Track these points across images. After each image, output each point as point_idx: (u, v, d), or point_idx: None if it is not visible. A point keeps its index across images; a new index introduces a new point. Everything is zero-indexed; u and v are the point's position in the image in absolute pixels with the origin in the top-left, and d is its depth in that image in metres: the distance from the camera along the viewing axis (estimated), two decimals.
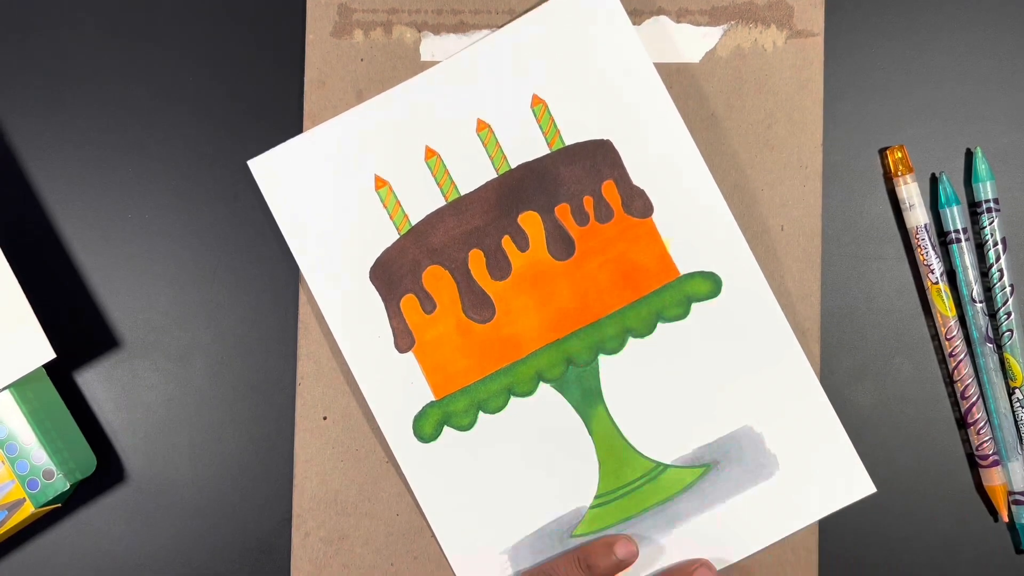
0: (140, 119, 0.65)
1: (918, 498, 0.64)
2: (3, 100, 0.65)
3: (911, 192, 0.64)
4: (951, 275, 0.65)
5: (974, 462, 0.64)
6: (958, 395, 0.64)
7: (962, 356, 0.63)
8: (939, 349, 0.64)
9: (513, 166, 0.62)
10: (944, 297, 0.63)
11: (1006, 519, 0.63)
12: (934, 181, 0.65)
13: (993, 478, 0.63)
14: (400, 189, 0.62)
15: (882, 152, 0.65)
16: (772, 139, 0.64)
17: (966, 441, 0.64)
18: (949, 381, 0.64)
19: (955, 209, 0.64)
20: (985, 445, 0.63)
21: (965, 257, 0.64)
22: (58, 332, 0.62)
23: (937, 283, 0.63)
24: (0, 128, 0.65)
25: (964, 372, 0.63)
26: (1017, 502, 0.63)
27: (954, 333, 0.63)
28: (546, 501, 0.62)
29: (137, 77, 0.65)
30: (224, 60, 0.65)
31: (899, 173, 0.64)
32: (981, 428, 0.63)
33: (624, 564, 0.60)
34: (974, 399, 0.63)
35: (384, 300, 0.62)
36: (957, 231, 0.64)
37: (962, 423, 0.64)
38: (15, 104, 0.65)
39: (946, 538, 0.64)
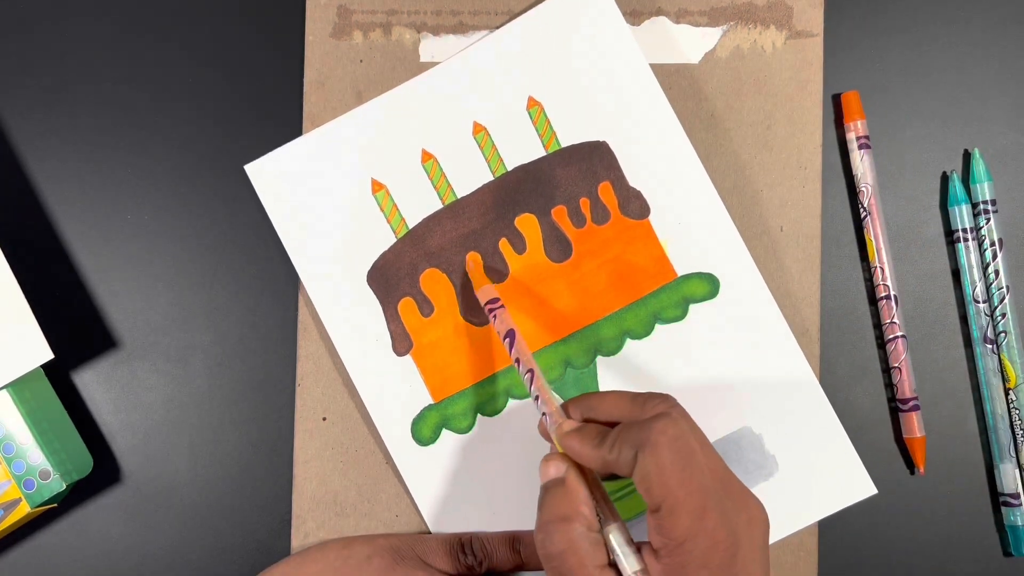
0: (140, 120, 0.65)
1: (918, 499, 0.64)
2: (3, 100, 0.65)
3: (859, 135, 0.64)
4: (955, 274, 0.65)
5: (974, 463, 0.64)
6: (884, 336, 0.64)
7: (885, 294, 0.64)
8: (935, 339, 0.65)
9: (509, 168, 0.62)
10: (873, 238, 0.64)
11: (923, 472, 0.63)
12: (944, 179, 0.65)
13: (913, 428, 0.63)
14: (397, 192, 0.62)
15: (835, 97, 0.65)
16: (771, 140, 0.64)
17: (962, 437, 0.64)
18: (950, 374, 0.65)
19: (963, 208, 0.64)
20: (905, 388, 0.63)
21: (971, 256, 0.64)
22: (57, 332, 0.62)
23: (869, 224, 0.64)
24: (1, 128, 0.65)
25: (886, 307, 0.64)
26: (1007, 503, 0.63)
27: (880, 277, 0.64)
28: None
29: (137, 78, 0.65)
30: (224, 61, 0.65)
31: (852, 119, 0.64)
32: (901, 373, 0.63)
33: None
34: (897, 339, 0.64)
35: (382, 303, 0.62)
36: (965, 230, 0.64)
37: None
38: (15, 104, 0.65)
39: (946, 539, 0.64)
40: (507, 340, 0.57)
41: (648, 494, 0.48)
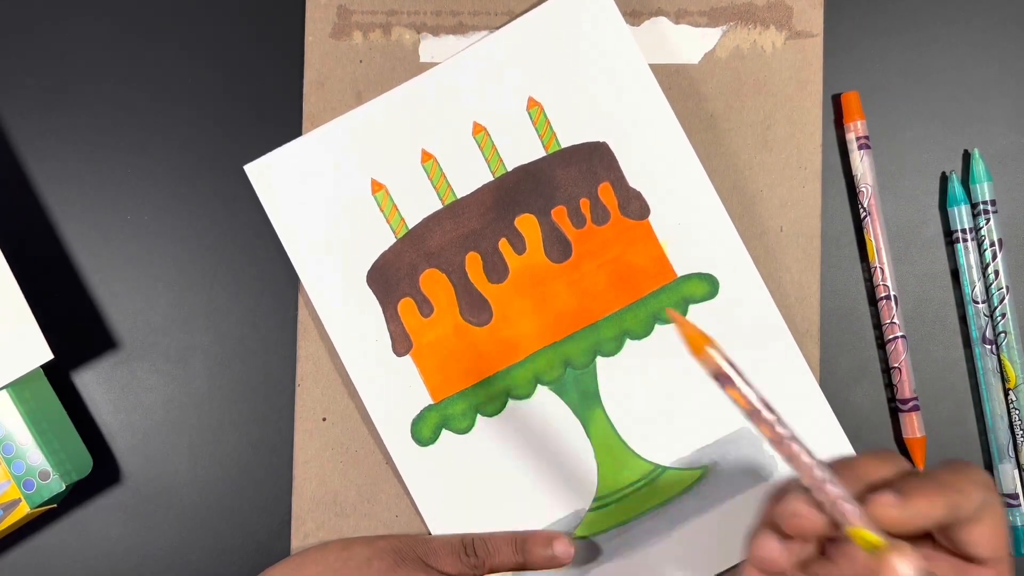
0: (140, 120, 0.65)
1: None
2: (3, 100, 0.65)
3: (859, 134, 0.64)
4: (955, 274, 0.65)
5: (974, 463, 0.64)
6: (884, 336, 0.64)
7: (885, 294, 0.64)
8: (935, 339, 0.65)
9: (509, 169, 0.62)
10: (873, 239, 0.64)
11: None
12: (944, 180, 0.65)
13: (913, 428, 0.63)
14: (396, 193, 0.62)
15: (835, 97, 0.65)
16: (771, 140, 0.64)
17: (962, 437, 0.64)
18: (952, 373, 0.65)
19: (963, 208, 0.64)
20: (905, 388, 0.63)
21: (970, 256, 0.64)
22: (57, 333, 0.62)
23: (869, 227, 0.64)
24: (1, 128, 0.65)
25: (886, 308, 0.64)
26: (1007, 504, 0.63)
27: (880, 277, 0.64)
28: (544, 504, 0.62)
29: (137, 78, 0.65)
30: (224, 61, 0.65)
31: (852, 119, 0.64)
32: (901, 373, 0.64)
33: (557, 561, 0.60)
34: (897, 339, 0.64)
35: (381, 304, 0.62)
36: (964, 231, 0.64)
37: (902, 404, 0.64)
38: (15, 104, 0.65)
39: None
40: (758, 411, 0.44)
41: (985, 549, 0.43)
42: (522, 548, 0.60)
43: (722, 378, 0.43)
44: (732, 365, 0.43)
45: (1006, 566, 0.45)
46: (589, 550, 0.62)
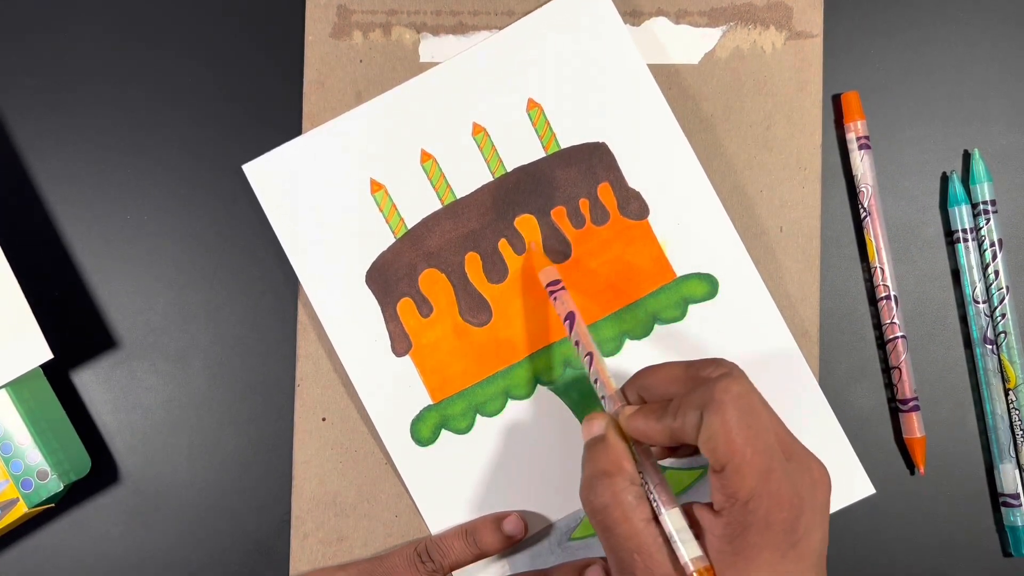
0: (140, 120, 0.65)
1: (918, 499, 0.64)
2: (3, 100, 0.65)
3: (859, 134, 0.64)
4: (955, 274, 0.65)
5: (974, 463, 0.64)
6: (884, 336, 0.64)
7: (885, 295, 0.64)
8: (935, 339, 0.64)
9: (509, 169, 0.62)
10: (873, 239, 0.64)
11: (923, 472, 0.64)
12: (944, 180, 0.65)
13: (913, 428, 0.63)
14: (396, 193, 0.62)
15: (835, 98, 0.65)
16: (771, 140, 0.64)
17: (962, 437, 0.64)
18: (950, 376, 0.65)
19: (963, 208, 0.64)
20: (905, 388, 0.63)
21: (970, 256, 0.64)
22: (57, 332, 0.62)
23: (868, 226, 0.64)
24: (1, 128, 0.65)
25: (886, 308, 0.64)
26: (1007, 504, 0.63)
27: (880, 277, 0.64)
28: (544, 504, 0.62)
29: (137, 78, 0.65)
30: (223, 61, 0.65)
31: (852, 119, 0.64)
32: (901, 373, 0.64)
33: (512, 540, 0.61)
34: (897, 339, 0.64)
35: (380, 304, 0.62)
36: (965, 231, 0.64)
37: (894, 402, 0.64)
38: (15, 104, 0.65)
39: (946, 539, 0.64)
40: (567, 322, 0.58)
41: (713, 454, 0.47)
42: (473, 539, 0.60)
43: (552, 288, 0.60)
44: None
45: (744, 463, 0.47)
46: (589, 551, 0.62)
